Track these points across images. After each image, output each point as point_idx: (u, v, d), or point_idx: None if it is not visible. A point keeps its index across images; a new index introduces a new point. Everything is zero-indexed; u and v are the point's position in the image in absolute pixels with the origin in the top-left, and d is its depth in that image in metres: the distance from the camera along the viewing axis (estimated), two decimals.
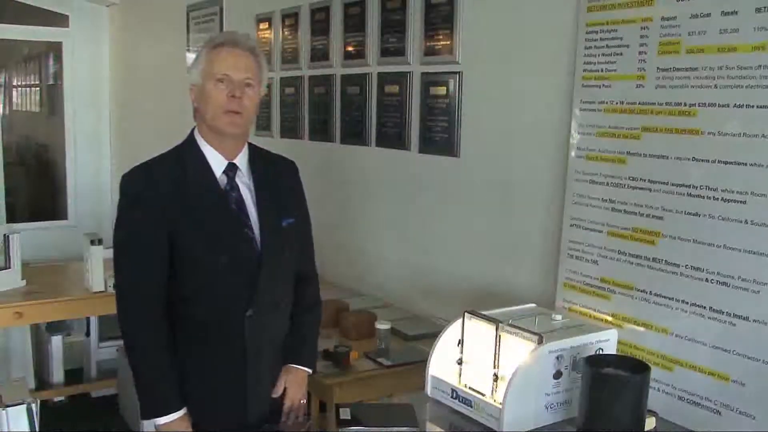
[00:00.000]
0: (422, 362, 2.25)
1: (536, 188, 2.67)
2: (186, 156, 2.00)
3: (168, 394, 1.98)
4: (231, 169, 2.01)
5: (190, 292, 1.99)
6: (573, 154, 2.43)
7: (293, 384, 2.16)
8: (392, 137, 3.35)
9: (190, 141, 2.02)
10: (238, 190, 2.01)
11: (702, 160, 2.05)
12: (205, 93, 1.96)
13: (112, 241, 2.00)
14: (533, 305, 2.37)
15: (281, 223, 2.05)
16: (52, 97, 6.75)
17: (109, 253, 3.83)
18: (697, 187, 2.07)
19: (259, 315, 2.02)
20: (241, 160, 2.04)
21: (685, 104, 2.08)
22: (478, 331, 2.15)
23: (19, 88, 7.29)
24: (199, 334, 2.00)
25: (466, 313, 2.16)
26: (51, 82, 6.79)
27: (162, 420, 1.97)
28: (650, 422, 1.98)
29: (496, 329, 2.07)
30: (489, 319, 2.12)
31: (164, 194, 1.94)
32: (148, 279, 1.96)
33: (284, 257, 2.09)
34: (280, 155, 2.10)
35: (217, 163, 2.00)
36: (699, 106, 2.05)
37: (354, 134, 3.59)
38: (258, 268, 2.00)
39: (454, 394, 2.13)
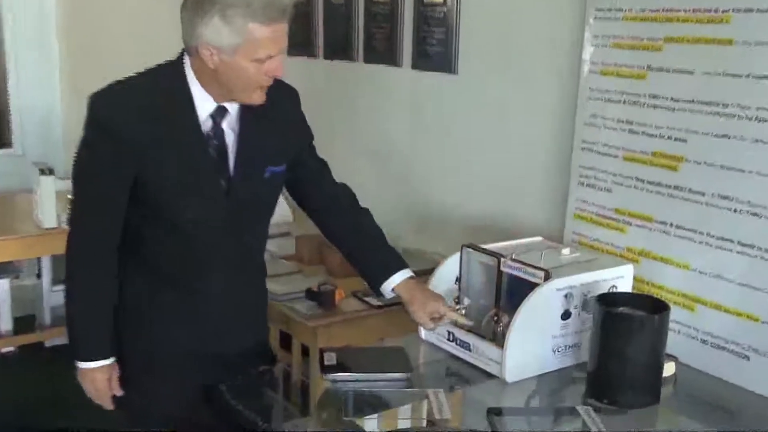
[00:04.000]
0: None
1: (543, 108, 2.65)
2: (169, 88, 1.95)
3: (98, 340, 2.03)
4: (219, 113, 1.97)
5: (149, 240, 2.01)
6: (585, 69, 2.41)
7: (416, 298, 2.12)
8: (382, 52, 3.32)
9: (178, 73, 1.95)
10: (222, 136, 1.98)
11: (734, 75, 2.01)
12: (238, 70, 1.87)
13: (73, 163, 1.96)
14: (539, 239, 2.36)
15: (264, 173, 2.03)
16: None
17: (62, 185, 3.84)
18: (727, 106, 2.04)
19: (224, 276, 2.05)
20: (233, 104, 1.99)
21: (716, 10, 2.04)
22: (478, 267, 2.15)
23: None
24: (157, 283, 2.04)
25: (464, 247, 2.16)
26: None
27: (85, 365, 2.02)
28: (669, 368, 2.00)
29: (498, 264, 2.07)
30: (490, 253, 2.11)
31: (139, 128, 1.89)
32: (103, 213, 1.97)
33: (259, 213, 2.11)
34: (280, 81, 2.03)
35: (205, 105, 1.95)
36: (733, 11, 2.00)
37: (339, 49, 3.55)
38: (226, 224, 2.01)
39: (451, 337, 2.13)
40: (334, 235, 2.25)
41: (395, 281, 2.14)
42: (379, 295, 2.20)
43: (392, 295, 2.16)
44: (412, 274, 2.16)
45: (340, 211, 2.22)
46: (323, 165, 2.24)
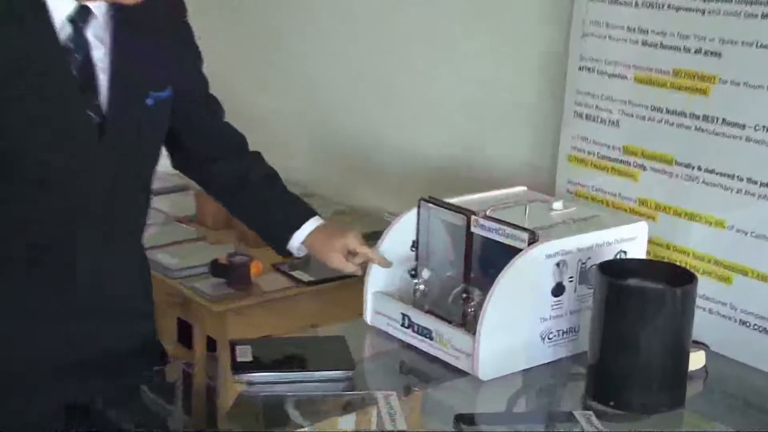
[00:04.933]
0: (359, 276, 2.25)
1: (528, 13, 2.65)
2: None
3: None
4: (81, 16, 1.89)
5: None
6: None
7: (321, 242, 2.20)
8: None
9: None
10: (87, 48, 1.90)
11: None
12: None
13: None
14: (523, 189, 2.35)
15: (146, 99, 2.00)
16: None
17: None
18: None
19: (94, 251, 2.00)
20: (99, 3, 1.91)
21: None
22: (441, 227, 2.15)
23: None
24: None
25: (422, 202, 2.15)
26: None
27: None
28: (697, 358, 1.97)
29: (468, 224, 2.05)
30: (456, 209, 2.10)
31: None
32: None
33: (142, 157, 2.08)
34: None
35: (59, 4, 1.87)
36: None
37: None
38: (98, 174, 1.95)
39: (407, 322, 2.11)
40: (217, 190, 2.28)
41: (304, 233, 2.18)
42: (285, 254, 2.26)
43: (304, 252, 2.23)
44: (322, 221, 2.23)
45: (222, 158, 2.22)
46: (211, 100, 2.23)
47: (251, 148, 2.27)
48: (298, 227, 2.18)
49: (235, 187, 2.23)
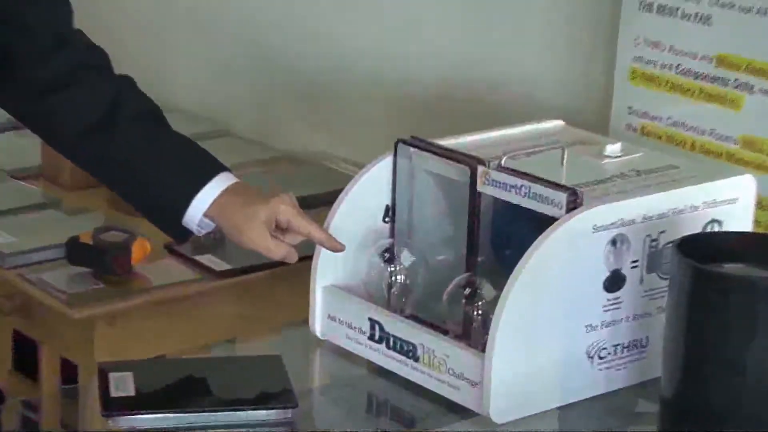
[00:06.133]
0: (303, 262, 2.22)
1: None
2: None
3: None
4: None
5: None
6: None
7: (234, 212, 2.14)
8: None
9: None
10: None
11: None
12: None
13: None
14: (559, 123, 2.35)
15: None
16: None
17: None
18: None
19: None
20: None
21: None
22: (430, 185, 2.16)
23: None
24: None
25: (401, 145, 2.14)
26: None
27: None
28: None
29: (473, 180, 2.02)
30: (456, 156, 2.06)
31: None
32: None
33: None
34: None
35: None
36: None
37: None
38: None
39: (378, 333, 2.08)
40: (63, 138, 2.22)
41: (207, 199, 2.13)
42: (180, 236, 2.21)
43: (209, 228, 2.18)
44: (235, 180, 2.18)
45: (70, 85, 2.16)
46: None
47: (118, 70, 2.17)
48: (197, 190, 2.11)
49: (92, 133, 2.15)
